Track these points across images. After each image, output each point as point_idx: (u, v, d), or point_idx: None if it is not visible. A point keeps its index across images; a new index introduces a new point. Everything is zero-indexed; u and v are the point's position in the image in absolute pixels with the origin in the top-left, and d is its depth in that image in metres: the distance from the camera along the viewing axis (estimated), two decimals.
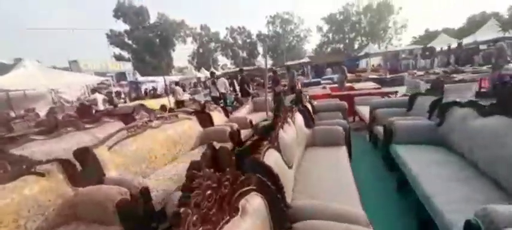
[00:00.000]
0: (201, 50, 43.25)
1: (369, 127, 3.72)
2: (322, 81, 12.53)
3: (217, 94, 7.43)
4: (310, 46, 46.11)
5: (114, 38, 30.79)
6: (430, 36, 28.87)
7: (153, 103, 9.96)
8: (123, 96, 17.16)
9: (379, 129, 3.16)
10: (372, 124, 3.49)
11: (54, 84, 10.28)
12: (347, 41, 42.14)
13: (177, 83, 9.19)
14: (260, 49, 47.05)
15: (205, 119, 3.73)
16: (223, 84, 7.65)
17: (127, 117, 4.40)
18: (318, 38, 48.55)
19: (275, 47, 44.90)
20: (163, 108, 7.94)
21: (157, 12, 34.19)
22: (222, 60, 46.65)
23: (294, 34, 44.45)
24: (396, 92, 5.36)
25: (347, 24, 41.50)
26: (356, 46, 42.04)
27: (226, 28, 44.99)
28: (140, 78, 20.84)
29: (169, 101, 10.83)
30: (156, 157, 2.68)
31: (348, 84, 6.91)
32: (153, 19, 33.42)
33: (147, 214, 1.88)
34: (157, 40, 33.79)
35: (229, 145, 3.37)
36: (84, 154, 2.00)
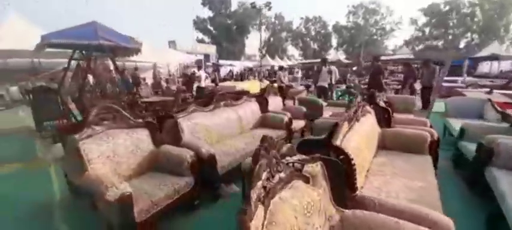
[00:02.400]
0: (272, 39, 42.90)
1: None
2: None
3: (326, 84, 6.40)
4: (394, 41, 39.71)
5: (199, 24, 33.40)
6: None
7: (245, 86, 9.78)
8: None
9: None
10: None
11: (160, 59, 11.35)
12: (450, 37, 34.33)
13: (281, 68, 8.57)
14: (334, 41, 43.49)
15: (380, 114, 2.75)
16: (334, 73, 6.58)
17: (260, 99, 3.86)
18: (408, 32, 41.40)
19: (351, 40, 40.63)
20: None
21: (238, 0, 35.28)
22: (290, 50, 45.39)
23: (378, 26, 38.92)
24: None
25: (453, 17, 33.72)
26: (462, 45, 33.98)
27: (301, 18, 43.09)
28: (220, 61, 21.91)
29: (260, 85, 10.52)
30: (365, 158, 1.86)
31: None
32: (234, 7, 34.72)
33: None
34: (235, 27, 34.97)
35: (427, 159, 2.30)
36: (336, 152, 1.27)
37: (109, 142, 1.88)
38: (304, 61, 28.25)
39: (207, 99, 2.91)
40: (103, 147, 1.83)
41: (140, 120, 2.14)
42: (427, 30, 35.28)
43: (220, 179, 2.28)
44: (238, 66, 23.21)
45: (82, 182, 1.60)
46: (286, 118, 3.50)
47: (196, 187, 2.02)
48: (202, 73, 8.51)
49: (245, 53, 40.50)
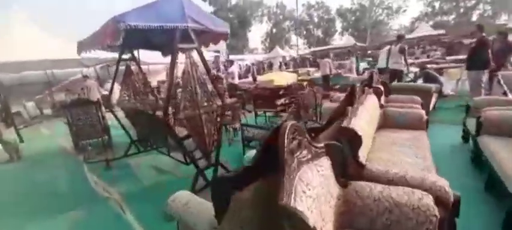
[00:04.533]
0: (274, 30, 41.60)
1: None
2: None
3: (403, 67, 5.42)
4: (398, 22, 38.15)
5: None
6: None
7: (277, 78, 8.84)
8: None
9: None
10: None
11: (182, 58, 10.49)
12: (462, 10, 32.81)
13: (327, 54, 7.62)
14: (338, 26, 42.04)
15: None
16: (406, 53, 5.60)
17: (376, 89, 2.93)
18: (416, 9, 39.88)
19: (357, 23, 39.30)
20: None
21: None
22: (293, 39, 43.99)
23: (384, 6, 37.32)
24: None
25: None
26: (474, 18, 32.41)
27: (303, 4, 41.62)
28: (231, 57, 21.02)
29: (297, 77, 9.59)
30: None
31: None
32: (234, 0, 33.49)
33: None
34: (236, 21, 33.73)
35: None
36: None
37: (311, 196, 0.97)
38: (314, 49, 26.98)
39: (348, 95, 1.99)
40: (314, 212, 0.92)
41: (322, 144, 1.22)
42: (437, 5, 33.76)
43: None
44: (248, 60, 22.30)
45: None
46: (423, 115, 2.59)
47: None
48: (235, 69, 7.57)
49: (249, 46, 39.22)
